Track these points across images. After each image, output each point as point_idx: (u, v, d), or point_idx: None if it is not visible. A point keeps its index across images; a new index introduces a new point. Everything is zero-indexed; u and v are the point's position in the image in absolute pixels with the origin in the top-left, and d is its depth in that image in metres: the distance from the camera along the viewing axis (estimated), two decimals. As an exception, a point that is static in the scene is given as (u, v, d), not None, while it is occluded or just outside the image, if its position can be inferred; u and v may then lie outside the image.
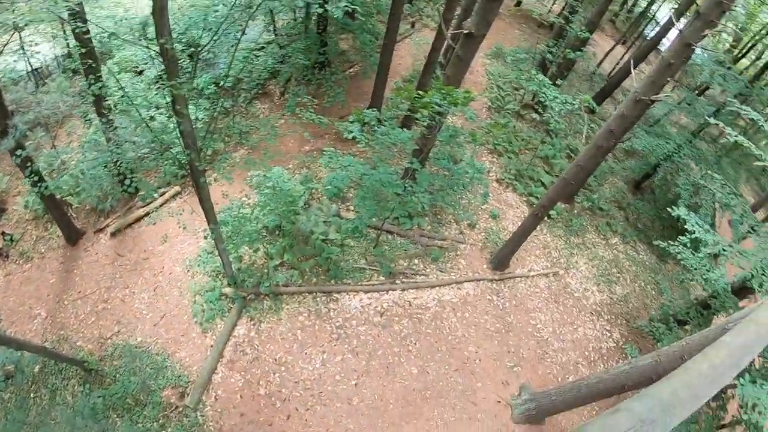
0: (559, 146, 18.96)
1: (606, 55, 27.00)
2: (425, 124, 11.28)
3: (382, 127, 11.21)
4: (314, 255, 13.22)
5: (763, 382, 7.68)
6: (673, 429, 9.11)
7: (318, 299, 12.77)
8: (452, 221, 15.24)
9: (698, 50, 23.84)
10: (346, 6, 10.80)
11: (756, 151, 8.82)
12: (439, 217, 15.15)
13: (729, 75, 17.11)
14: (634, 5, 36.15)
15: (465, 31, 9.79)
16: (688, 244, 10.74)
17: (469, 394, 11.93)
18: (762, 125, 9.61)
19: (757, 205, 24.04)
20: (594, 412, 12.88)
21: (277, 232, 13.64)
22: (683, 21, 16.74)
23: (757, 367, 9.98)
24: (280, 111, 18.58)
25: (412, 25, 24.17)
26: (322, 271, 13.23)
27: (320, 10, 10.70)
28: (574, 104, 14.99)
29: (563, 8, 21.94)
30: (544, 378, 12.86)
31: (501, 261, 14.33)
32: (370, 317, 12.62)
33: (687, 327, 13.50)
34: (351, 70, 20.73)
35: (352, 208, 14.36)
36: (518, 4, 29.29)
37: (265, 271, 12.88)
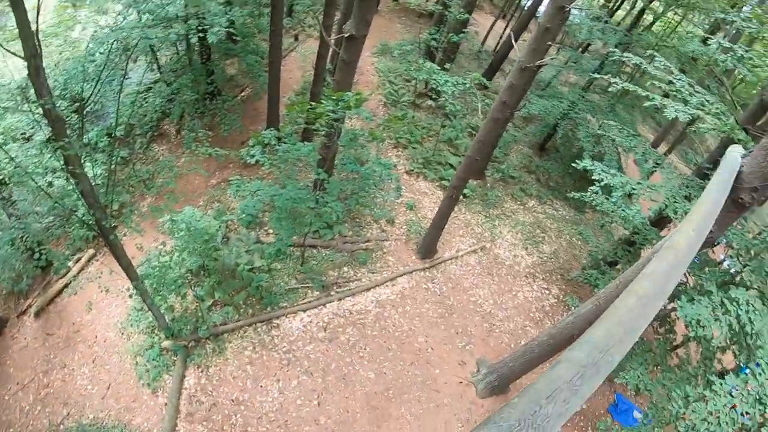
0: (459, 127, 19.44)
1: (488, 32, 27.89)
2: (324, 133, 11.32)
3: (283, 144, 11.14)
4: (244, 286, 12.98)
5: (699, 298, 8.15)
6: (632, 360, 9.50)
7: (259, 330, 12.52)
8: (372, 222, 15.32)
9: (574, 11, 25.03)
10: (219, 30, 10.67)
11: (643, 93, 9.26)
12: (357, 220, 15.20)
13: (607, 28, 17.99)
14: None
15: (346, 35, 9.92)
16: (599, 192, 11.20)
17: (430, 383, 12.01)
18: (645, 67, 10.12)
19: (657, 140, 25.41)
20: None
21: (202, 273, 13.30)
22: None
23: (691, 285, 10.58)
24: (179, 149, 18.20)
25: (296, 38, 24.16)
26: (256, 301, 12.98)
27: (197, 39, 10.54)
28: (465, 84, 15.38)
29: None
30: (497, 349, 13.10)
31: (428, 249, 14.50)
32: (315, 334, 12.48)
33: (618, 266, 14.16)
34: (242, 94, 20.54)
35: (270, 231, 14.22)
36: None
37: (200, 314, 12.53)
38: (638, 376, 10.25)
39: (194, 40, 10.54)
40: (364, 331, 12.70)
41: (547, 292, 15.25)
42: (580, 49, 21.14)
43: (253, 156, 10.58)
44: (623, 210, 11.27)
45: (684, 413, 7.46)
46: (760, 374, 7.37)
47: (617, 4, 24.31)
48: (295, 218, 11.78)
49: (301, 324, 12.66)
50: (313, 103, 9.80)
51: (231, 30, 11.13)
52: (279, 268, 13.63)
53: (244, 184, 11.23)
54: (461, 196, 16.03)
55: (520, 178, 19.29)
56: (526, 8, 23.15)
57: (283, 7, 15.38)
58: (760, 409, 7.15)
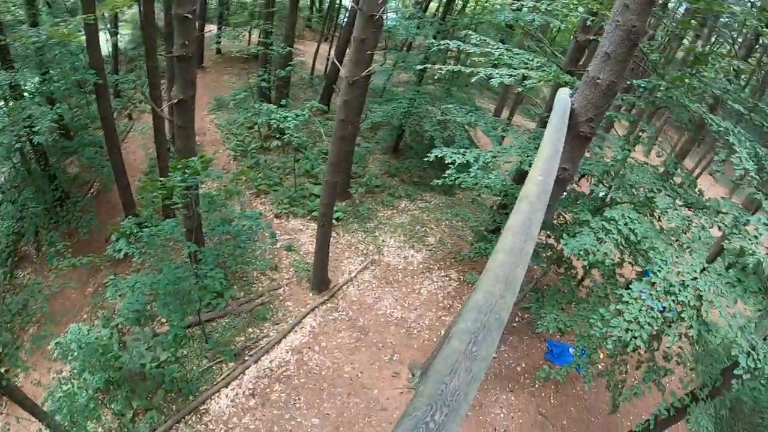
0: (312, 156, 19.77)
1: (314, 58, 28.51)
2: (182, 205, 11.25)
3: (146, 229, 10.94)
4: (158, 385, 12.39)
5: (580, 229, 8.90)
6: (544, 307, 10.20)
7: (190, 422, 12.00)
8: (258, 275, 15.18)
9: (391, 15, 26.14)
10: (44, 129, 10.37)
11: (467, 70, 9.88)
12: (244, 279, 15.01)
13: (422, 22, 19.19)
14: (321, 4, 38.13)
15: (174, 101, 9.94)
16: (455, 173, 11.81)
17: (374, 405, 12.12)
18: (463, 47, 10.88)
19: (499, 107, 26.86)
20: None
21: (111, 387, 12.60)
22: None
23: (570, 221, 11.49)
24: (45, 268, 17.22)
25: (130, 117, 23.55)
26: (176, 395, 12.48)
27: (30, 145, 10.13)
28: (305, 114, 15.71)
29: (259, 36, 22.70)
30: (422, 348, 13.47)
31: (321, 282, 14.63)
32: (245, 404, 12.19)
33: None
34: (91, 190, 19.75)
35: (163, 320, 13.83)
36: (219, 51, 29.50)
37: (125, 430, 12.01)
38: (555, 319, 11.01)
39: (27, 147, 10.10)
40: (291, 383, 12.56)
41: (447, 278, 15.85)
42: (405, 48, 22.09)
43: (120, 250, 10.33)
44: (484, 180, 11.97)
45: (607, 332, 7.95)
46: (659, 270, 8.13)
47: (426, 4, 25.61)
48: (181, 299, 11.55)
49: (228, 400, 12.31)
50: (161, 179, 9.73)
51: (61, 126, 10.77)
52: (186, 354, 13.20)
53: (120, 282, 10.82)
54: (335, 221, 16.37)
55: (385, 185, 19.89)
56: (344, 25, 23.91)
57: (108, 91, 15.03)
58: (672, 299, 7.88)
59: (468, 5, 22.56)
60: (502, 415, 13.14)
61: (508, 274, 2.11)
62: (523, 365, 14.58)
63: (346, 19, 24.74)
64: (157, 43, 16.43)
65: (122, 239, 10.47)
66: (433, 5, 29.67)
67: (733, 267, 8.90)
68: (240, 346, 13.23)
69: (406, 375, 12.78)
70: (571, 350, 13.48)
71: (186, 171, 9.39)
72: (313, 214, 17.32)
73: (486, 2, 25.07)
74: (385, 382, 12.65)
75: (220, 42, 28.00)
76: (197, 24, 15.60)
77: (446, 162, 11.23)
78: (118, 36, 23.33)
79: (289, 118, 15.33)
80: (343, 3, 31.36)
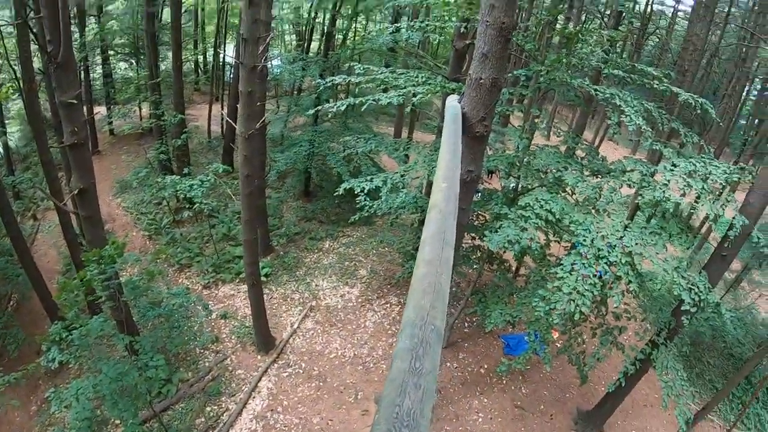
0: (227, 219, 19.46)
1: (209, 120, 28.02)
2: (105, 298, 10.77)
3: (74, 332, 10.34)
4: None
5: (500, 223, 9.27)
6: (488, 306, 10.33)
7: None
8: (201, 351, 14.56)
9: (275, 62, 26.25)
10: None
11: (356, 100, 9.96)
12: (188, 358, 14.33)
13: (306, 64, 19.58)
14: (205, 65, 37.75)
15: (75, 192, 9.60)
16: (368, 203, 11.95)
17: (349, 450, 11.84)
18: (349, 79, 11.00)
19: (397, 128, 27.16)
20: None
21: None
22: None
23: (489, 218, 11.76)
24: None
25: (35, 218, 22.29)
26: (147, 496, 11.83)
27: None
28: (209, 179, 15.45)
29: (149, 109, 22.24)
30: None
31: (265, 341, 14.23)
32: (221, 485, 11.75)
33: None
34: (10, 303, 18.49)
35: (117, 421, 13.06)
36: (112, 132, 28.38)
37: None
38: (500, 314, 11.21)
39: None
40: (262, 451, 12.18)
41: (388, 305, 15.86)
42: (296, 92, 22.18)
43: (54, 360, 9.74)
44: (396, 201, 12.12)
45: (551, 309, 8.22)
46: (584, 240, 8.52)
47: (307, 40, 25.85)
48: (129, 395, 10.92)
49: (203, 487, 11.80)
50: (77, 276, 9.30)
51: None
52: (149, 451, 12.55)
53: (62, 393, 10.11)
54: (264, 277, 16.15)
55: (305, 230, 19.77)
56: (231, 82, 23.70)
57: (5, 195, 14.24)
58: (605, 262, 8.25)
59: (348, 37, 22.90)
60: (480, 419, 13.21)
61: (434, 284, 2.11)
62: (486, 366, 14.73)
63: (232, 76, 24.61)
64: (48, 134, 15.80)
65: (53, 348, 9.80)
66: (315, 44, 29.94)
67: (654, 216, 9.41)
68: (202, 428, 12.59)
69: (374, 410, 12.56)
70: (525, 338, 13.66)
71: (101, 261, 9.04)
72: (241, 276, 16.84)
73: (364, 31, 25.59)
74: (357, 422, 12.43)
75: (111, 122, 27.01)
76: (85, 108, 15.18)
77: (356, 193, 11.32)
78: (7, 135, 22.14)
79: (194, 186, 15.03)
80: (227, 59, 31.14)
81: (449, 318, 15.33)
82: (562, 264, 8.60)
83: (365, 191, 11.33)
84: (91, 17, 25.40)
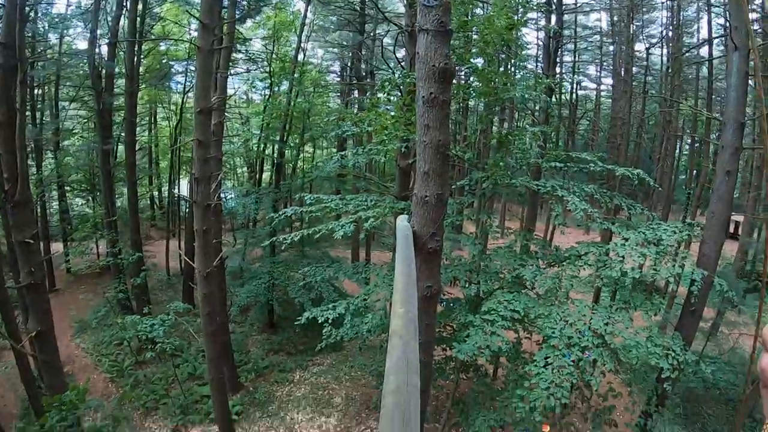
0: (192, 357, 18.84)
1: (167, 256, 27.89)
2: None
3: None
4: None
5: (468, 332, 9.31)
6: (472, 415, 9.97)
7: None
8: None
9: (229, 195, 26.49)
10: None
11: (309, 231, 10.14)
12: None
13: (259, 196, 20.15)
14: (161, 201, 37.78)
15: (33, 334, 9.34)
16: (331, 330, 11.74)
17: None
18: (300, 211, 11.32)
19: (354, 251, 27.49)
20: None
21: None
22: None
23: (455, 328, 11.60)
24: None
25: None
26: None
27: None
28: (170, 318, 15.05)
29: (106, 246, 21.77)
30: None
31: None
32: None
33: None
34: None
35: None
36: (69, 270, 27.35)
37: None
38: (484, 421, 10.95)
39: None
40: None
41: (369, 430, 15.24)
42: (251, 224, 22.27)
43: None
44: (362, 327, 11.93)
45: (531, 408, 8.11)
46: (552, 332, 8.66)
47: (258, 171, 26.32)
48: None
49: None
50: (39, 424, 8.94)
51: None
52: None
53: None
54: (235, 416, 15.51)
55: (273, 362, 19.18)
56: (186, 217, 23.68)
57: None
58: (577, 350, 8.30)
59: (297, 166, 23.53)
60: None
61: (403, 413, 2.09)
62: None
63: (187, 211, 24.59)
64: (4, 272, 15.26)
65: None
66: (267, 174, 30.37)
67: (618, 291, 9.62)
68: None
69: None
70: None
71: (62, 408, 8.69)
72: (211, 416, 15.92)
73: (313, 158, 26.35)
74: None
75: (68, 260, 26.29)
76: (42, 245, 14.79)
77: (320, 323, 11.22)
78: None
79: (155, 326, 14.59)
80: (182, 194, 31.31)
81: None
82: (535, 360, 8.59)
83: (329, 321, 11.22)
84: (48, 151, 25.61)
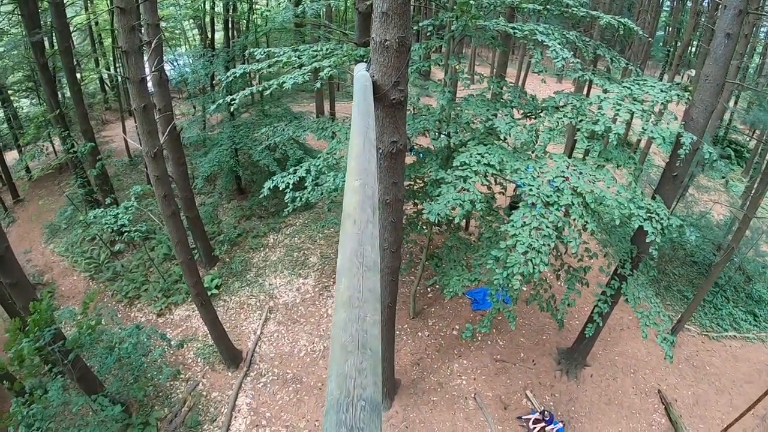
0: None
1: (125, 139, 25.96)
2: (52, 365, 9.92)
3: (33, 407, 9.48)
4: None
5: (439, 188, 8.67)
6: (446, 273, 9.90)
7: None
8: (171, 382, 13.60)
9: (181, 61, 24.63)
10: None
11: (258, 88, 9.33)
12: (160, 393, 13.29)
13: (211, 58, 18.86)
14: (111, 80, 35.65)
15: None
16: (293, 195, 11.10)
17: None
18: (251, 68, 10.44)
19: (319, 104, 26.07)
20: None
21: None
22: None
23: (426, 182, 11.24)
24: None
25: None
26: None
27: None
28: (132, 204, 14.40)
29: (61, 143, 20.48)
30: None
31: (232, 356, 13.62)
32: None
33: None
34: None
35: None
36: (30, 177, 25.44)
37: None
38: (458, 281, 10.80)
39: None
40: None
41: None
42: (209, 88, 20.88)
43: None
44: (325, 186, 11.32)
45: (509, 275, 7.87)
46: (530, 189, 8.26)
47: (210, 32, 24.35)
48: None
49: None
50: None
51: None
52: None
53: None
54: (215, 289, 15.80)
55: (246, 229, 19.04)
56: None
57: None
58: (555, 208, 8.00)
59: (250, 20, 21.58)
60: (464, 382, 13.12)
61: (357, 336, 1.60)
62: (457, 327, 14.59)
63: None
64: None
65: (22, 426, 9.03)
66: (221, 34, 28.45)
67: (592, 149, 9.06)
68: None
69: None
70: (488, 298, 13.47)
71: (37, 328, 8.42)
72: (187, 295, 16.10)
73: (266, 12, 24.17)
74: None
75: (28, 167, 24.70)
76: None
77: (281, 189, 10.64)
78: None
79: (119, 215, 13.95)
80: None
81: (410, 287, 14.98)
82: (512, 221, 8.18)
83: (289, 186, 10.65)
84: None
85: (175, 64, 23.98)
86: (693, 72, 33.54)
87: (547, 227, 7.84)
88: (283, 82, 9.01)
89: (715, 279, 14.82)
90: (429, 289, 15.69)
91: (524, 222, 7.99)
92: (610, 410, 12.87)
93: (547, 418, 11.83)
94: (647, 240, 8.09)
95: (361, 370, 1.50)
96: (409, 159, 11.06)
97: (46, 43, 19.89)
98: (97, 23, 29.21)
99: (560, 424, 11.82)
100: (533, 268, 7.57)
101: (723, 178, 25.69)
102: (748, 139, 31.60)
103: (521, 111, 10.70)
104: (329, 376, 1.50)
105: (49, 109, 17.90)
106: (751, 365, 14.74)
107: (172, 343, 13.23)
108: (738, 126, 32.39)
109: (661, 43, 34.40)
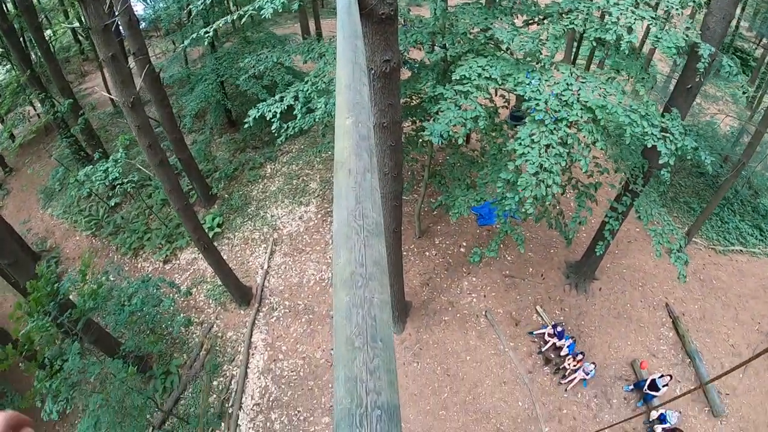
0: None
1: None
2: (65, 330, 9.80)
3: (56, 376, 9.42)
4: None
5: (439, 105, 8.28)
6: (450, 193, 9.56)
7: None
8: (184, 330, 13.68)
9: None
10: None
11: (235, 16, 8.65)
12: (177, 341, 13.54)
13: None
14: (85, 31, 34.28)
15: None
16: (280, 124, 10.49)
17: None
18: None
19: (303, 24, 25.25)
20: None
21: None
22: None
23: (424, 98, 10.70)
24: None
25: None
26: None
27: None
28: (120, 155, 13.86)
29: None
30: None
31: (242, 294, 13.70)
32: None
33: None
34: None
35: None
36: (15, 141, 24.78)
37: None
38: (463, 202, 10.43)
39: None
40: (282, 402, 11.93)
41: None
42: (187, 21, 19.77)
43: (51, 412, 9.03)
44: (317, 113, 10.74)
45: (521, 198, 7.62)
46: (536, 104, 7.82)
47: None
48: (131, 413, 10.00)
49: None
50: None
51: None
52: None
53: None
54: (217, 228, 15.91)
55: (241, 162, 18.71)
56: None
57: None
58: (565, 124, 7.57)
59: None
60: (474, 299, 13.16)
61: (363, 324, 1.31)
62: (464, 244, 14.52)
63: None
64: None
65: (48, 399, 9.11)
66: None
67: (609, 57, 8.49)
68: (216, 404, 12.21)
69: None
70: (494, 213, 13.14)
71: (44, 299, 8.43)
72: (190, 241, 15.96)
73: None
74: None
75: (12, 136, 23.71)
76: None
77: (269, 120, 10.10)
78: None
79: (109, 169, 13.44)
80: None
81: (414, 206, 14.74)
82: (519, 138, 7.73)
83: (277, 115, 10.05)
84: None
85: (147, 1, 22.76)
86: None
87: (557, 145, 7.44)
88: (261, 8, 8.35)
89: (724, 194, 14.49)
90: (434, 209, 15.49)
91: (533, 139, 7.57)
92: (618, 323, 13.01)
93: (558, 332, 11.88)
94: (660, 161, 7.67)
95: (373, 370, 1.28)
96: (403, 74, 10.52)
97: (11, 6, 18.76)
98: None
99: (571, 340, 11.93)
100: (545, 189, 7.23)
101: (743, 92, 24.30)
102: (754, 47, 30.37)
103: (522, 18, 10.04)
104: (336, 379, 1.32)
105: (21, 73, 17.14)
106: (757, 280, 14.72)
107: (181, 289, 13.17)
108: (744, 33, 31.04)
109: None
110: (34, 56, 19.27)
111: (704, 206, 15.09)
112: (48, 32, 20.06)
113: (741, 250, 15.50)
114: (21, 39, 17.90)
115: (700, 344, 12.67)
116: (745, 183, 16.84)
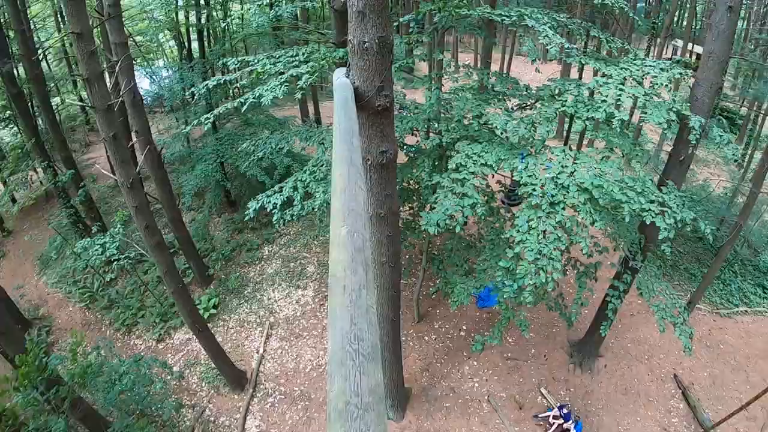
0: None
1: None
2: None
3: None
4: None
5: (435, 196, 8.32)
6: (452, 281, 9.39)
7: None
8: (177, 413, 13.02)
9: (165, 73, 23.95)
10: None
11: (234, 104, 8.88)
12: (167, 424, 12.74)
13: (184, 72, 18.44)
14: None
15: None
16: (278, 212, 10.57)
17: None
18: (225, 79, 10.13)
19: (304, 108, 25.86)
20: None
21: None
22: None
23: (421, 185, 10.72)
24: None
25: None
26: None
27: None
28: (118, 231, 13.90)
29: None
30: None
31: (236, 378, 13.27)
32: None
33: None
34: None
35: None
36: (20, 208, 24.73)
37: None
38: (462, 290, 10.34)
39: None
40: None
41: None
42: (191, 100, 20.21)
43: None
44: (316, 201, 10.75)
45: (520, 287, 7.54)
46: (533, 189, 7.85)
47: (187, 42, 23.69)
48: None
49: None
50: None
51: None
52: None
53: None
54: (213, 309, 15.57)
55: (239, 243, 18.60)
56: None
57: None
58: (561, 208, 7.59)
59: (225, 30, 20.81)
60: (476, 384, 12.88)
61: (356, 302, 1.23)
62: (464, 327, 14.32)
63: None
64: None
65: None
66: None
67: (600, 135, 8.62)
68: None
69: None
70: (493, 294, 13.05)
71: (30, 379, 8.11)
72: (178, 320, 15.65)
73: (242, 16, 23.42)
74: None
75: (14, 199, 23.77)
76: None
77: (269, 211, 10.11)
78: None
79: (107, 245, 13.39)
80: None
81: (412, 289, 14.60)
82: (517, 225, 7.72)
83: (277, 206, 10.06)
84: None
85: (153, 78, 23.34)
86: (679, 42, 33.07)
87: (555, 229, 7.41)
88: (261, 96, 8.54)
89: (725, 257, 14.47)
90: (432, 288, 15.33)
91: (530, 225, 7.55)
92: (627, 400, 12.62)
93: (563, 414, 11.52)
94: (660, 237, 7.64)
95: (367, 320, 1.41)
96: (401, 158, 10.61)
97: (22, 71, 19.24)
98: (71, 44, 28.43)
99: (577, 419, 11.52)
100: (545, 277, 7.13)
101: (734, 161, 24.59)
102: (738, 106, 31.23)
103: (514, 101, 10.26)
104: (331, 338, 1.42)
105: (27, 139, 17.41)
106: (764, 340, 14.47)
107: (173, 372, 12.78)
108: (728, 93, 31.98)
109: (642, 15, 33.90)
110: (40, 122, 19.53)
111: (705, 271, 15.02)
112: (56, 99, 20.35)
113: (746, 311, 15.32)
114: (29, 104, 18.27)
115: (713, 412, 12.24)
116: (744, 243, 16.78)
